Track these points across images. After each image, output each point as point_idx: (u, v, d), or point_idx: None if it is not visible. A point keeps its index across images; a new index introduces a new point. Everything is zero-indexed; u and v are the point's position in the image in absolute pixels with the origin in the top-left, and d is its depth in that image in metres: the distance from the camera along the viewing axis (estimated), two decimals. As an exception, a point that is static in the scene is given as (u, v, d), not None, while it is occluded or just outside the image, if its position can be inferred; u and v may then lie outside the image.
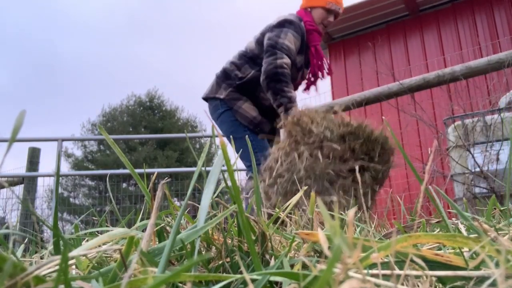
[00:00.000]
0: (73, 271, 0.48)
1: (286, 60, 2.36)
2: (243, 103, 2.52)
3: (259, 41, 2.56)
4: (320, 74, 2.65)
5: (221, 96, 2.54)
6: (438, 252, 0.42)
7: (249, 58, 2.57)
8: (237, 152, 2.45)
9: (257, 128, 2.53)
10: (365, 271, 0.37)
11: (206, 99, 2.68)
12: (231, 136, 2.41)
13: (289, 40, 2.41)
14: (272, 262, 0.51)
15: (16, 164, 5.29)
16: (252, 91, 2.53)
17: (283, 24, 2.48)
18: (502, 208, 0.77)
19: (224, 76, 2.61)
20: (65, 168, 17.10)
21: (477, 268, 0.39)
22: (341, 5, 2.65)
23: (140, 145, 17.38)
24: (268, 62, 2.35)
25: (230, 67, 2.61)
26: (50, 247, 0.58)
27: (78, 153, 18.26)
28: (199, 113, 20.17)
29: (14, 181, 4.94)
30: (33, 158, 4.95)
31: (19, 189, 4.91)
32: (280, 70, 2.31)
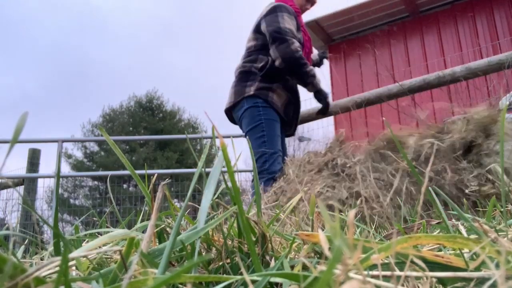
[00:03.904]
0: (73, 272, 0.48)
1: (297, 43, 2.46)
2: (273, 94, 2.54)
3: (258, 31, 2.64)
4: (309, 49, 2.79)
5: (251, 92, 2.52)
6: (439, 253, 0.42)
7: (258, 50, 2.63)
8: (253, 148, 2.41)
9: (284, 115, 2.59)
10: (366, 272, 0.37)
11: (231, 108, 2.65)
12: (248, 133, 2.48)
13: (287, 22, 2.51)
14: (273, 263, 0.51)
15: (16, 165, 5.30)
16: (279, 76, 2.56)
17: (274, 9, 2.57)
18: (501, 209, 0.77)
19: (244, 76, 2.62)
20: (66, 169, 17.12)
21: (477, 269, 0.39)
22: None
23: (140, 146, 17.38)
24: (282, 49, 2.41)
25: (245, 66, 2.64)
26: (50, 248, 0.58)
27: (78, 154, 18.27)
28: (200, 114, 20.20)
29: (14, 182, 4.94)
30: (33, 159, 4.95)
31: (20, 190, 4.91)
32: (297, 55, 2.40)
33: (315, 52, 2.98)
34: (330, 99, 2.72)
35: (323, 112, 2.83)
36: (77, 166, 17.65)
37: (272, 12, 2.56)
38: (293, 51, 2.40)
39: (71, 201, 12.51)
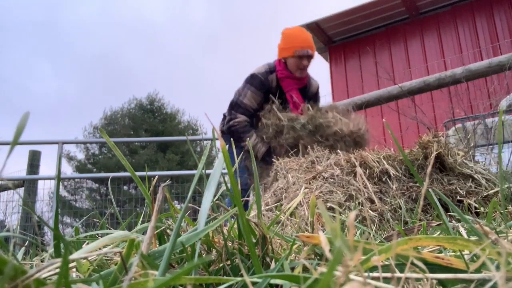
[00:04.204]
0: (74, 274, 0.48)
1: (239, 118, 2.80)
2: None
3: None
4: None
5: None
6: (439, 255, 0.42)
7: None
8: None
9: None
10: (366, 274, 0.37)
11: None
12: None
13: (248, 97, 2.81)
14: (273, 265, 0.51)
15: (17, 167, 5.30)
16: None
17: (248, 79, 2.86)
18: (501, 211, 0.77)
19: None
20: (67, 171, 17.11)
21: (477, 271, 0.39)
22: (308, 47, 2.82)
23: (141, 148, 17.40)
24: (227, 119, 2.86)
25: None
26: (51, 250, 0.58)
27: (81, 156, 18.28)
28: (200, 116, 20.21)
29: (14, 184, 4.95)
30: (34, 161, 4.95)
31: (20, 192, 4.91)
32: (232, 128, 2.81)
33: None
34: (260, 154, 2.78)
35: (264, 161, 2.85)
36: (80, 168, 17.66)
37: (246, 81, 2.85)
38: (230, 124, 2.81)
39: (72, 203, 12.51)
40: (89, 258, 0.50)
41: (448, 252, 0.51)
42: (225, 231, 0.56)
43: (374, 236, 0.83)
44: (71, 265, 0.47)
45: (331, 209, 1.53)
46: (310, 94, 2.96)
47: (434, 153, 1.72)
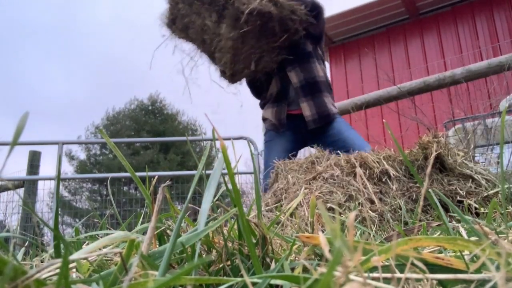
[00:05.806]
0: (74, 275, 0.48)
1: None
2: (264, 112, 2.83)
3: None
4: None
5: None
6: (439, 255, 0.42)
7: None
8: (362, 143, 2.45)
9: (279, 124, 2.72)
10: (366, 274, 0.37)
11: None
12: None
13: None
14: (273, 265, 0.51)
15: (16, 168, 5.30)
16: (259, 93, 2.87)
17: None
18: (502, 211, 0.77)
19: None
20: (68, 171, 17.08)
21: (478, 271, 0.39)
22: None
23: (143, 148, 17.39)
24: None
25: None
26: (51, 250, 0.58)
27: (82, 156, 18.25)
28: (198, 116, 20.20)
29: (14, 184, 4.94)
30: (34, 162, 4.95)
31: (20, 193, 4.91)
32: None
33: None
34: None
35: None
36: (81, 168, 17.63)
37: None
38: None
39: (72, 203, 12.51)
40: (89, 259, 0.50)
41: (448, 252, 0.51)
42: (225, 231, 0.56)
43: (374, 236, 0.83)
44: (71, 265, 0.47)
45: (331, 209, 1.53)
46: None
47: (434, 154, 1.72)
